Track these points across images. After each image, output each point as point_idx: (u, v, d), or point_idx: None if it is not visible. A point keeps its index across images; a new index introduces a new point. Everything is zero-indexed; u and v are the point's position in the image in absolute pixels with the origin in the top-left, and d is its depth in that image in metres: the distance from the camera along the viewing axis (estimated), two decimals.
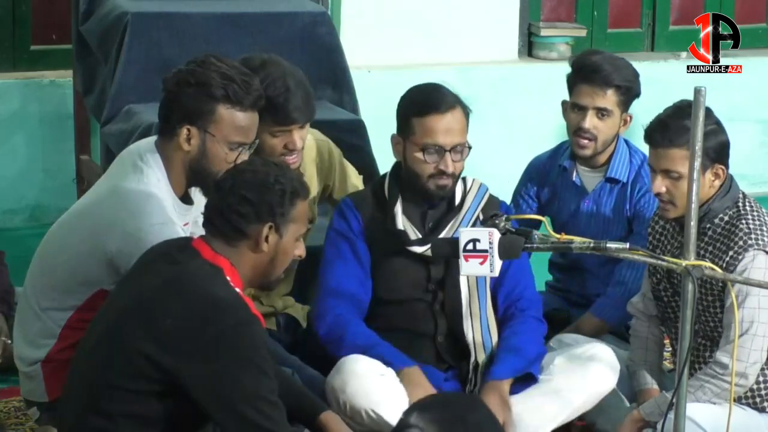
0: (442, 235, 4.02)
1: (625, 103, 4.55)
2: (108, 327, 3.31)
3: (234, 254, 3.33)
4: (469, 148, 4.04)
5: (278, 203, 3.32)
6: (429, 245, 3.94)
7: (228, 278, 3.29)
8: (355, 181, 4.65)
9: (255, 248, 3.33)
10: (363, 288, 4.09)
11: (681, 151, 3.90)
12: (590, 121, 4.50)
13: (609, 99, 4.50)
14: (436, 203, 4.09)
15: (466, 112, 4.06)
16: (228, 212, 3.31)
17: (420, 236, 4.04)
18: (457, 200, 4.08)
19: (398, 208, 4.05)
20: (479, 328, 4.05)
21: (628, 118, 4.57)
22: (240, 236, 3.32)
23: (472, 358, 4.05)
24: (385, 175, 4.18)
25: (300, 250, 3.43)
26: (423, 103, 4.02)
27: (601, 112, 4.51)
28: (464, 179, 4.14)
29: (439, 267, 4.07)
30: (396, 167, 4.14)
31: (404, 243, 4.03)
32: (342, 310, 4.05)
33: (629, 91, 4.54)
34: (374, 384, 3.86)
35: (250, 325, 3.22)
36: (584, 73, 4.52)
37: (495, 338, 4.09)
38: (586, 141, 4.53)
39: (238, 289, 3.29)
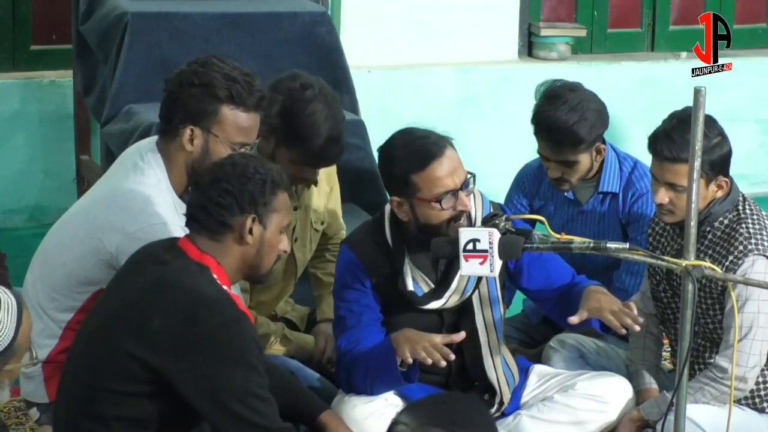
0: (457, 275, 3.83)
1: (590, 146, 4.40)
2: (96, 329, 3.30)
3: (219, 250, 3.31)
4: (473, 176, 3.81)
5: (260, 193, 3.31)
6: (443, 300, 3.86)
7: (214, 276, 3.28)
8: (335, 201, 4.54)
9: (240, 241, 3.31)
10: (378, 330, 3.91)
11: (687, 166, 3.88)
12: (557, 171, 4.43)
13: (568, 153, 4.39)
14: None
15: (450, 141, 3.81)
16: (210, 206, 3.30)
17: (432, 286, 3.87)
18: None
19: (407, 266, 3.85)
20: (500, 365, 3.96)
21: (602, 148, 4.45)
22: (224, 229, 3.31)
23: (498, 397, 3.97)
24: (382, 217, 3.91)
25: (284, 245, 3.40)
26: (418, 156, 3.74)
27: (565, 164, 4.41)
28: None
29: (453, 315, 3.93)
30: (392, 213, 3.88)
31: (417, 304, 3.87)
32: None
33: (587, 140, 4.37)
34: (376, 428, 3.77)
35: (238, 321, 3.21)
36: (540, 129, 4.40)
37: (515, 372, 4.02)
38: (560, 183, 4.47)
39: (225, 287, 3.28)
